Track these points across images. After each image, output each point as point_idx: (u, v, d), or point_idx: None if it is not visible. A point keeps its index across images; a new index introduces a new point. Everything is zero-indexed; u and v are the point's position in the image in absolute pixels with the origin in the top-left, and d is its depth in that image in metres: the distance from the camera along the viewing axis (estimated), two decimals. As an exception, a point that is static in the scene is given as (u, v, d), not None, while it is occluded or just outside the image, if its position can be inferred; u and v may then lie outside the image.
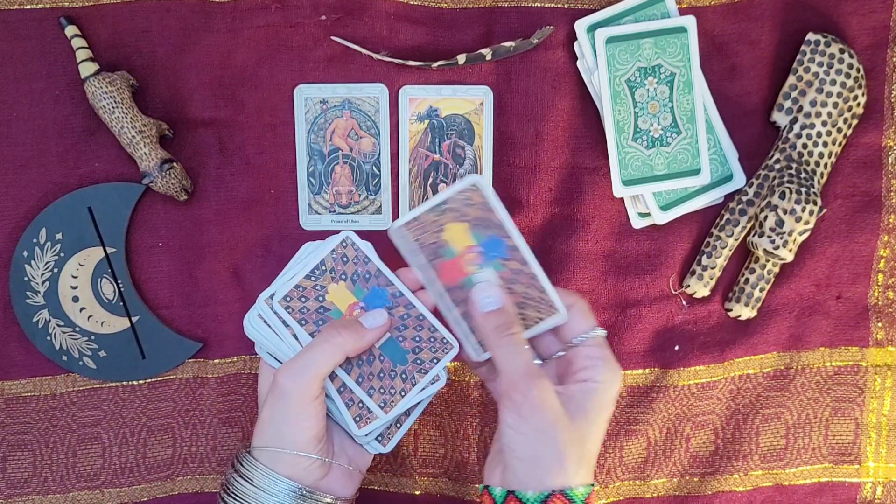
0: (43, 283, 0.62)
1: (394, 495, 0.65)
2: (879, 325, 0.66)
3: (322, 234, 0.64)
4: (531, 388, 0.48)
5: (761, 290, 0.64)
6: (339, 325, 0.52)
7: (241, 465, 0.52)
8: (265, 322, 0.54)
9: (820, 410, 0.66)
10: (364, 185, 0.64)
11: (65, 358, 0.63)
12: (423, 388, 0.54)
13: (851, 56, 0.63)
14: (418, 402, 0.55)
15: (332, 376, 0.52)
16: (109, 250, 0.63)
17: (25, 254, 0.62)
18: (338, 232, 0.55)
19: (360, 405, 0.53)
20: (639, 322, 0.65)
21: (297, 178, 0.64)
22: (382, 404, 0.53)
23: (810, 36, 0.63)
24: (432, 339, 0.54)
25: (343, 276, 0.54)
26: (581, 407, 0.49)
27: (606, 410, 0.50)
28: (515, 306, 0.53)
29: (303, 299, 0.53)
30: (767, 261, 0.64)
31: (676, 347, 0.65)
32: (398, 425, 0.55)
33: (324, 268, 0.54)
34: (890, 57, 0.65)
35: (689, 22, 0.62)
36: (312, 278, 0.54)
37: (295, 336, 0.53)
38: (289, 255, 0.56)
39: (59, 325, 0.63)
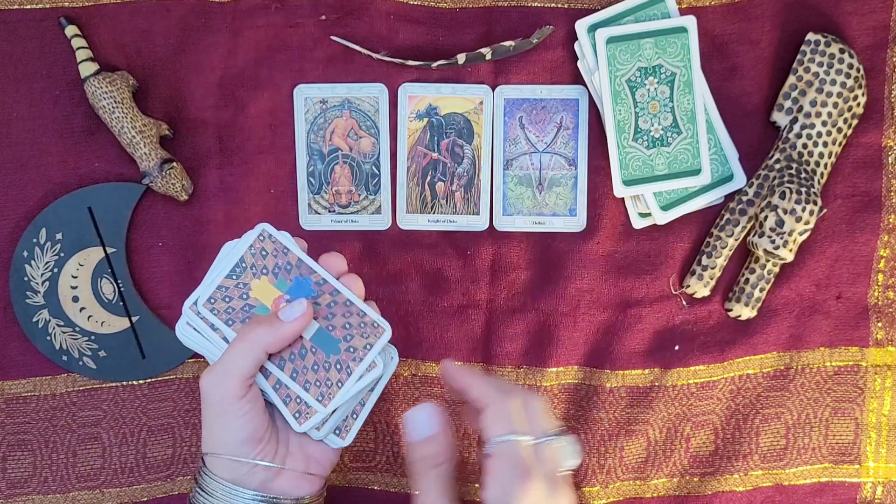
0: (43, 283, 0.62)
1: (394, 495, 0.65)
2: (879, 325, 0.66)
3: (322, 234, 0.64)
4: None
5: (761, 290, 0.64)
6: (254, 321, 0.50)
7: (198, 473, 0.52)
8: (194, 329, 0.52)
9: (820, 410, 0.66)
10: (364, 184, 0.64)
11: (65, 358, 0.63)
12: (361, 377, 0.52)
13: (851, 56, 0.63)
14: (371, 391, 0.54)
15: (267, 374, 0.51)
16: (109, 250, 0.63)
17: (25, 254, 0.62)
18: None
19: (298, 400, 0.51)
20: (639, 322, 0.65)
21: (297, 178, 0.64)
22: (320, 397, 0.51)
23: (810, 36, 0.63)
24: (363, 325, 0.52)
25: (264, 271, 0.52)
26: None
27: None
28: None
29: (227, 299, 0.52)
30: (767, 261, 0.64)
31: (676, 347, 0.65)
32: (354, 416, 0.54)
33: (244, 265, 0.52)
34: (890, 57, 0.65)
35: (690, 22, 0.62)
36: (234, 277, 0.52)
37: (225, 339, 0.52)
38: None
39: (59, 325, 0.63)
